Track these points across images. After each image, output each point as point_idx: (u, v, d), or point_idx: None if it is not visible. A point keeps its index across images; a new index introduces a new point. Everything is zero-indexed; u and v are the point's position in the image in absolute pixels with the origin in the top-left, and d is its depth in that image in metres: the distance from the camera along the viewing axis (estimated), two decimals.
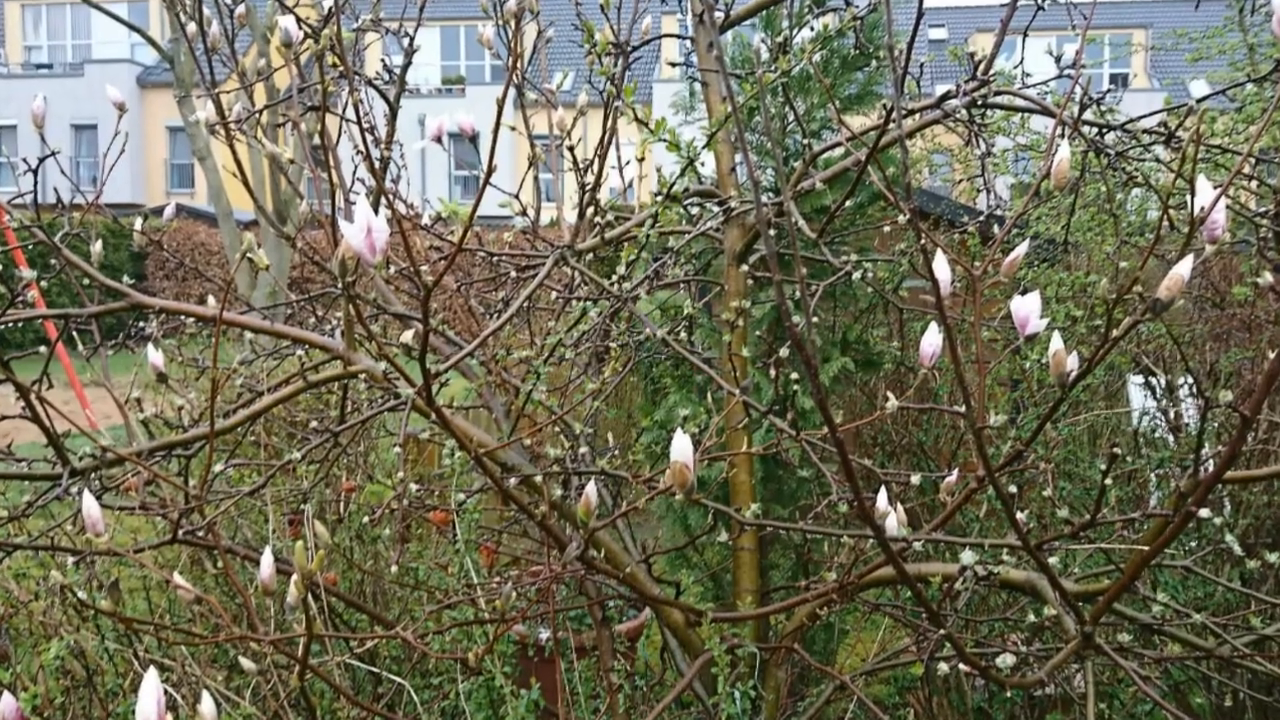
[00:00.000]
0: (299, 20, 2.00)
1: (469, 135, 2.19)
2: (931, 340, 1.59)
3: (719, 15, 2.71)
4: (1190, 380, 3.42)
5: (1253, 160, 2.35)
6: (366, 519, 3.08)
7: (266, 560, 1.43)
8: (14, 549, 1.92)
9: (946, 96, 2.22)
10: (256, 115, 2.22)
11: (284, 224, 11.54)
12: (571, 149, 2.32)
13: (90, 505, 1.42)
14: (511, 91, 1.75)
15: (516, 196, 2.48)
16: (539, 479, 2.22)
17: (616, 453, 2.32)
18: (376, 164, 2.26)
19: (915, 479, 1.94)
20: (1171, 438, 3.46)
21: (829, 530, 2.21)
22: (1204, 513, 1.41)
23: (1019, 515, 1.54)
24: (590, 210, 2.29)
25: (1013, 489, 1.65)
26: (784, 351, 2.16)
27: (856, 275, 2.42)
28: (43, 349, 1.94)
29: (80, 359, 2.18)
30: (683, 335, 2.55)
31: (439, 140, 2.23)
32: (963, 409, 1.43)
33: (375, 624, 2.64)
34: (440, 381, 2.17)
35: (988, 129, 2.41)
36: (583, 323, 2.42)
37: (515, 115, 2.45)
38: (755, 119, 3.04)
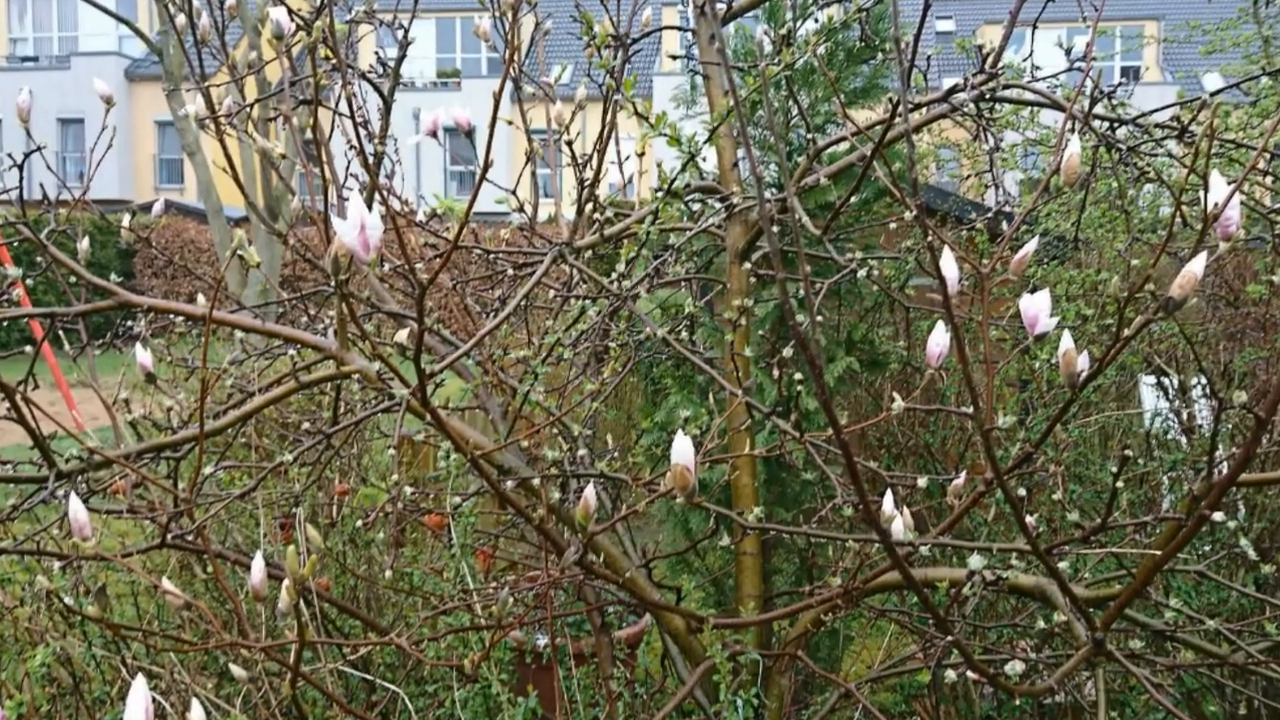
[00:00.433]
0: (291, 12, 1.99)
1: (465, 130, 2.20)
2: (938, 340, 1.58)
3: (721, 7, 2.71)
4: (1204, 381, 3.43)
5: (1268, 155, 2.33)
6: (360, 523, 3.07)
7: (257, 565, 1.43)
8: None
9: (954, 90, 2.22)
10: (247, 109, 2.21)
11: (275, 221, 11.52)
12: (570, 144, 2.32)
13: (77, 509, 1.42)
14: (509, 85, 1.74)
15: (513, 192, 2.47)
16: (537, 482, 2.21)
17: (616, 455, 2.32)
18: (370, 159, 2.25)
19: (922, 482, 1.96)
20: (1184, 439, 3.47)
21: (833, 534, 2.22)
22: (1218, 516, 1.39)
23: (1028, 519, 1.53)
24: (589, 206, 2.29)
25: (1022, 492, 1.66)
26: (787, 351, 2.15)
27: (862, 273, 2.41)
28: (28, 348, 1.93)
29: (67, 359, 2.18)
30: (684, 334, 2.55)
31: (434, 135, 2.25)
32: (970, 410, 1.42)
33: (369, 630, 2.65)
34: (435, 382, 2.17)
35: (996, 123, 2.41)
36: (581, 322, 2.41)
37: (512, 109, 2.44)
38: (758, 113, 3.02)
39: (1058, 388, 3.16)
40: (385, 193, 2.42)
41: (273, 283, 2.41)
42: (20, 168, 1.86)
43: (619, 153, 2.41)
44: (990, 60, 2.18)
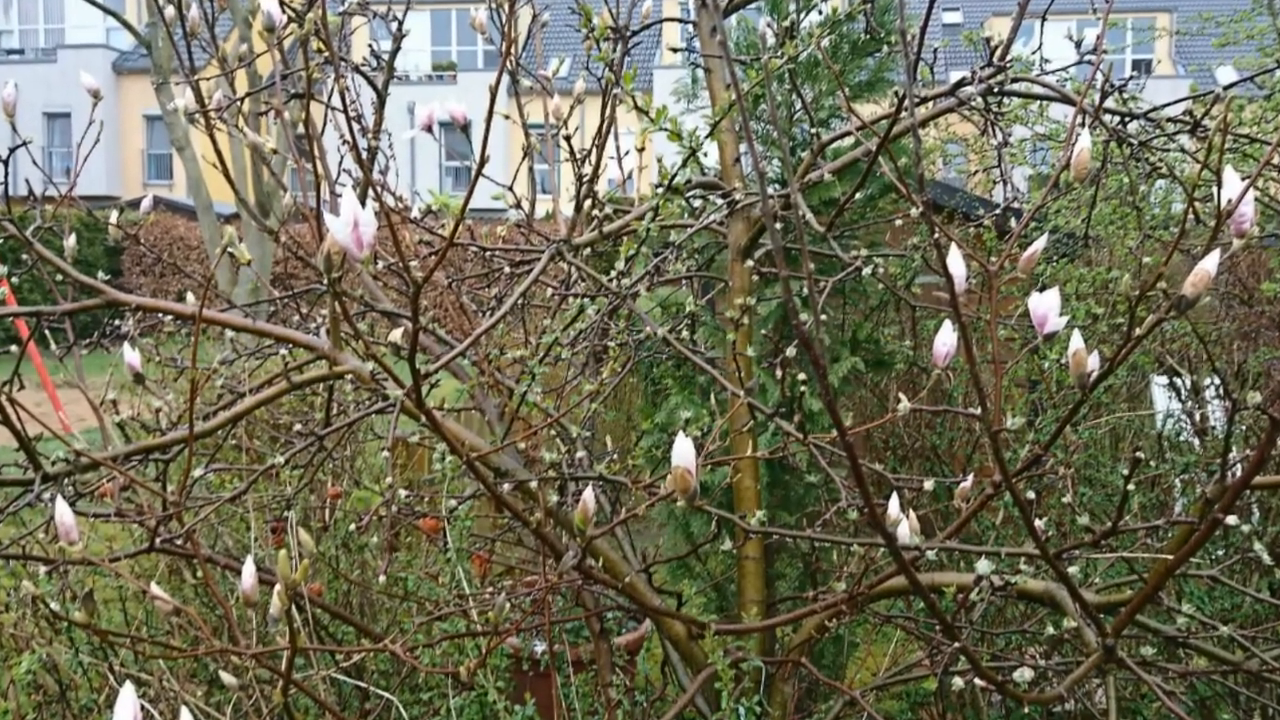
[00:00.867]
0: (282, 3, 1.99)
1: (461, 124, 2.24)
2: (945, 339, 1.58)
3: None
4: (1217, 381, 3.44)
5: None
6: (353, 526, 3.08)
7: (248, 570, 1.43)
8: None
9: (961, 83, 2.23)
10: (238, 103, 2.19)
11: (267, 217, 11.47)
12: (568, 138, 2.36)
13: (63, 512, 1.42)
14: (505, 78, 1.73)
15: (510, 188, 2.47)
16: (534, 484, 2.21)
17: (615, 457, 2.31)
18: (364, 154, 2.23)
19: (928, 484, 1.95)
20: (1197, 441, 3.48)
21: (838, 538, 2.27)
22: (1231, 520, 1.38)
23: (1037, 522, 1.54)
24: (588, 203, 2.31)
25: (1031, 495, 1.67)
26: (791, 351, 2.14)
27: (867, 271, 2.40)
28: (14, 348, 1.95)
29: (53, 359, 2.19)
30: (685, 334, 2.55)
31: (429, 129, 2.26)
32: (978, 411, 1.42)
33: (362, 636, 2.68)
34: (430, 382, 2.17)
35: (1004, 118, 2.39)
36: (580, 321, 2.42)
37: (509, 103, 2.42)
38: (761, 107, 3.00)
39: (1067, 388, 3.18)
40: (379, 189, 2.41)
41: (264, 281, 2.40)
42: (5, 163, 1.86)
43: (618, 148, 2.45)
44: (998, 53, 2.18)
